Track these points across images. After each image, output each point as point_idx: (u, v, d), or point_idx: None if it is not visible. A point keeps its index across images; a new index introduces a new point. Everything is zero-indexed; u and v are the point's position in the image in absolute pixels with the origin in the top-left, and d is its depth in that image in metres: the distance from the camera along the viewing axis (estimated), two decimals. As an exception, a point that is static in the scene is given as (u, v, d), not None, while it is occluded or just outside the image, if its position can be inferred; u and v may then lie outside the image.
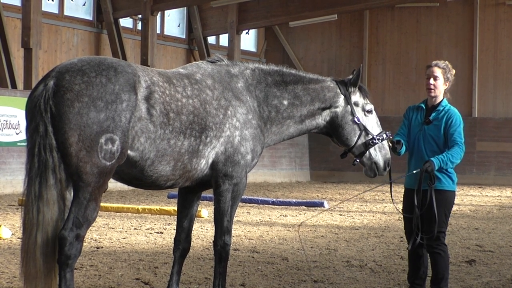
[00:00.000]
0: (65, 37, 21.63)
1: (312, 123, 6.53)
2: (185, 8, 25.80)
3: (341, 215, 14.19)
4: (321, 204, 15.47)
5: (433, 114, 6.78)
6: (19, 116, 17.26)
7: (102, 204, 11.36)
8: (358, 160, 6.61)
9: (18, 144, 17.26)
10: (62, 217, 5.22)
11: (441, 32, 27.03)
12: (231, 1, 23.98)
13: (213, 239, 6.22)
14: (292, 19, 25.59)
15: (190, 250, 6.92)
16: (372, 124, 6.61)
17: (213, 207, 6.20)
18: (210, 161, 5.91)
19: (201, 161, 5.84)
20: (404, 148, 6.85)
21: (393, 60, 27.62)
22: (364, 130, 6.55)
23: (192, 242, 6.64)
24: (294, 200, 16.06)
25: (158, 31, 23.93)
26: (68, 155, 5.15)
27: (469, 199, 18.72)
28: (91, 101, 5.17)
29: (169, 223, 11.89)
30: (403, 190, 7.03)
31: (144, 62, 21.87)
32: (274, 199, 16.17)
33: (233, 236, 10.35)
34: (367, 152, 6.56)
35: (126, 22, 23.68)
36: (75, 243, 5.21)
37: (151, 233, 10.81)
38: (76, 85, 5.18)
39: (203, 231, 11.16)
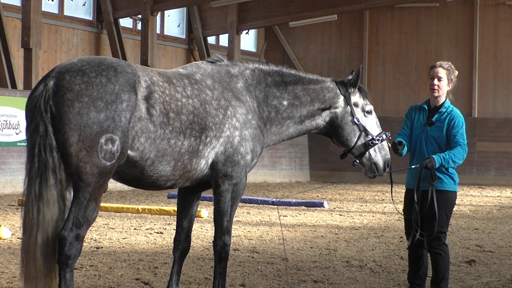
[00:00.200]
0: (65, 37, 21.63)
1: (311, 123, 6.53)
2: (185, 8, 25.79)
3: (341, 215, 14.20)
4: (321, 205, 15.48)
5: (436, 116, 6.77)
6: (19, 116, 17.26)
7: (102, 204, 11.36)
8: (358, 161, 6.61)
9: (18, 144, 17.26)
10: (62, 217, 5.22)
11: (441, 32, 27.03)
12: (231, 1, 23.98)
13: (213, 239, 6.22)
14: (292, 19, 25.59)
15: (190, 250, 6.93)
16: (372, 124, 6.62)
17: (213, 207, 6.20)
18: (210, 161, 5.91)
19: (201, 161, 5.84)
20: (406, 149, 6.85)
21: (393, 60, 27.62)
22: (363, 130, 6.55)
23: (192, 242, 6.64)
24: (294, 201, 16.06)
25: (158, 31, 23.93)
26: (68, 155, 5.15)
27: (469, 199, 18.72)
28: (91, 101, 5.17)
29: (169, 223, 11.89)
30: (403, 190, 7.03)
31: (144, 62, 21.87)
32: (274, 199, 16.18)
33: (233, 236, 10.35)
34: (367, 152, 6.57)
35: (126, 22, 23.67)
36: (75, 243, 5.21)
37: (151, 233, 10.81)
38: (76, 85, 5.18)
39: (203, 231, 11.16)
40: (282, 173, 25.45)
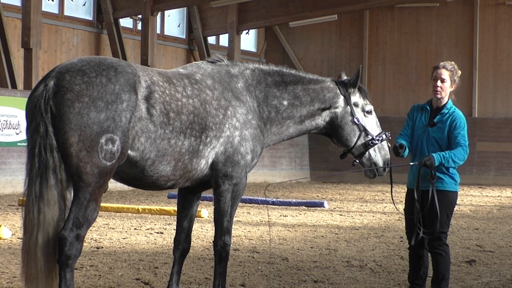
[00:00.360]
0: (65, 37, 21.63)
1: (311, 123, 6.54)
2: (185, 8, 25.80)
3: (341, 215, 14.20)
4: (321, 204, 15.49)
5: (438, 117, 6.75)
6: (19, 116, 17.26)
7: (102, 204, 11.35)
8: (357, 161, 6.62)
9: (18, 144, 17.26)
10: (63, 217, 5.22)
11: (441, 32, 27.03)
12: (231, 1, 23.97)
13: (213, 239, 6.22)
14: (292, 19, 25.59)
15: (190, 250, 6.92)
16: (372, 124, 6.62)
17: (213, 207, 6.21)
18: (210, 161, 5.91)
19: (201, 161, 5.84)
20: (407, 151, 6.84)
21: (393, 60, 27.62)
22: (363, 130, 6.55)
23: (192, 242, 6.64)
24: (294, 200, 16.06)
25: (158, 31, 23.93)
26: (68, 155, 5.15)
27: (469, 199, 18.72)
28: (92, 101, 5.17)
29: (169, 223, 11.89)
30: (403, 190, 7.03)
31: (144, 62, 21.88)
32: (274, 199, 16.19)
33: (233, 236, 10.35)
34: (367, 152, 6.57)
35: (126, 22, 23.67)
36: (75, 243, 5.21)
37: (151, 233, 10.81)
38: (76, 85, 5.18)
39: (203, 231, 11.16)
40: (282, 173, 25.43)
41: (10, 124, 17.29)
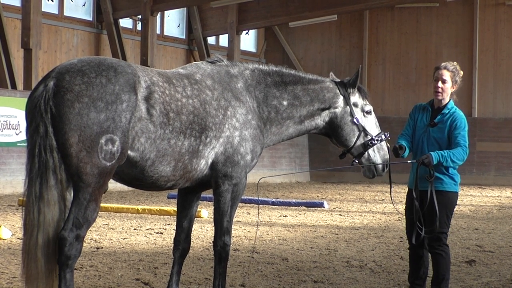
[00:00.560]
0: (65, 38, 21.64)
1: (311, 123, 6.54)
2: (185, 8, 25.80)
3: (341, 215, 14.20)
4: (321, 205, 15.49)
5: (439, 117, 6.75)
6: (19, 116, 17.27)
7: (102, 205, 11.36)
8: (357, 161, 6.62)
9: (18, 144, 17.27)
10: (63, 218, 5.22)
11: (441, 32, 27.04)
12: (231, 1, 23.98)
13: (213, 240, 6.23)
14: (292, 19, 25.60)
15: (190, 251, 6.93)
16: (371, 125, 6.62)
17: (213, 207, 6.21)
18: (209, 161, 5.91)
19: (201, 161, 5.85)
20: (407, 151, 6.84)
21: (393, 60, 27.62)
22: (363, 131, 6.56)
23: (192, 243, 6.64)
24: (294, 201, 16.07)
25: (158, 32, 23.94)
26: (68, 155, 5.15)
27: (469, 199, 18.72)
28: (91, 102, 5.17)
29: (169, 224, 11.89)
30: (403, 190, 7.03)
31: (144, 62, 21.88)
32: (274, 199, 16.19)
33: (233, 236, 10.35)
34: (366, 153, 6.57)
35: (126, 22, 23.68)
36: (75, 244, 5.21)
37: (151, 234, 10.81)
38: (76, 85, 5.18)
39: (203, 231, 11.16)
40: (282, 173, 25.41)
41: (10, 124, 17.29)
